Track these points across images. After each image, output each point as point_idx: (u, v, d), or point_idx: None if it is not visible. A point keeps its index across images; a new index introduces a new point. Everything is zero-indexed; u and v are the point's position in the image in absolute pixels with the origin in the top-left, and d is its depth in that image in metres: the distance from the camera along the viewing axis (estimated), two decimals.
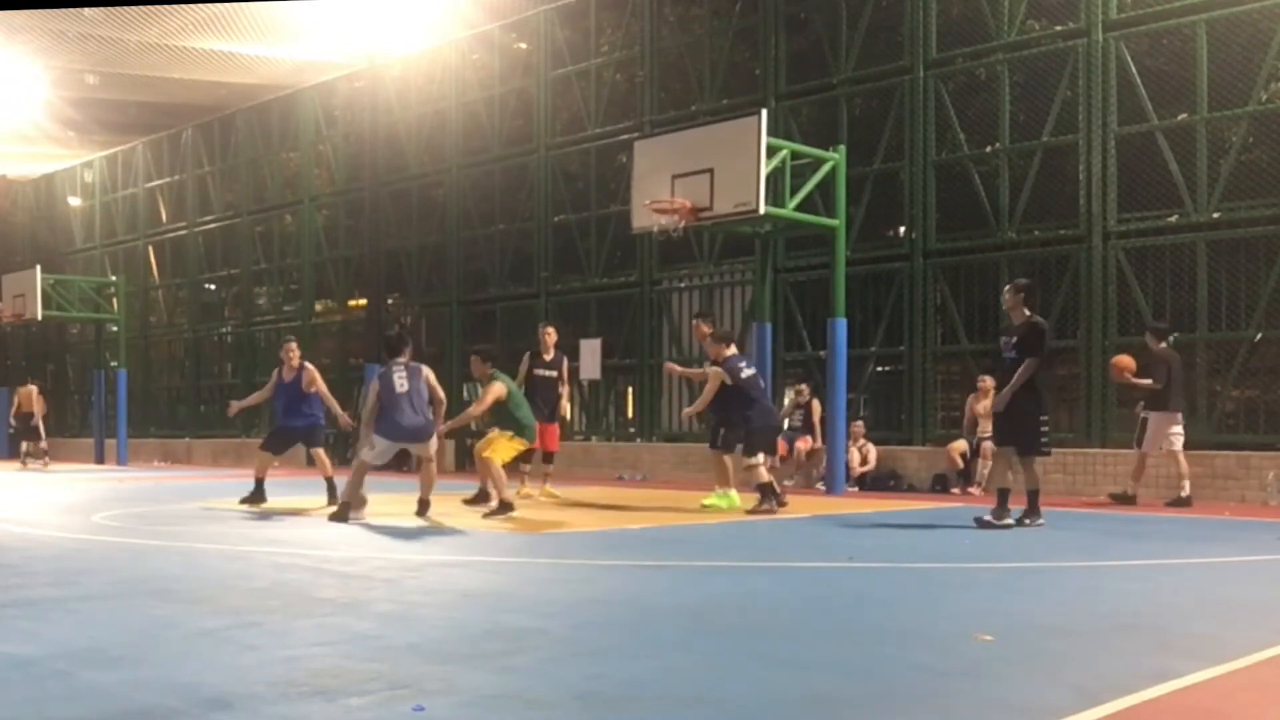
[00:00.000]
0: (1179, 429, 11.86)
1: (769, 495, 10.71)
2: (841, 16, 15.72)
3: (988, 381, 13.63)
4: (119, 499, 13.24)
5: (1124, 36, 13.31)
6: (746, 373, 10.79)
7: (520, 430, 10.74)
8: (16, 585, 6.27)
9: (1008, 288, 9.73)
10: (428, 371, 10.47)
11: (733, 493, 11.07)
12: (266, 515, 10.79)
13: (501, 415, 10.76)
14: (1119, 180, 13.24)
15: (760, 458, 10.71)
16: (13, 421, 25.29)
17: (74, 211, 31.17)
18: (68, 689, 3.81)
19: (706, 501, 11.05)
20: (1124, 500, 12.01)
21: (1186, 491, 11.76)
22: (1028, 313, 9.42)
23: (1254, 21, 12.48)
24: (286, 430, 12.15)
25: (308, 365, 12.00)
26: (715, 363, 10.82)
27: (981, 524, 9.26)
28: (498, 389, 10.66)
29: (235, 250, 25.73)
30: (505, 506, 10.25)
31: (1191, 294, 12.75)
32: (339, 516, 9.97)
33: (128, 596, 5.88)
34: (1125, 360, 12.06)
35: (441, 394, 10.55)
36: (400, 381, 10.21)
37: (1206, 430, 12.64)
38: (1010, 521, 9.20)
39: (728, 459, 11.12)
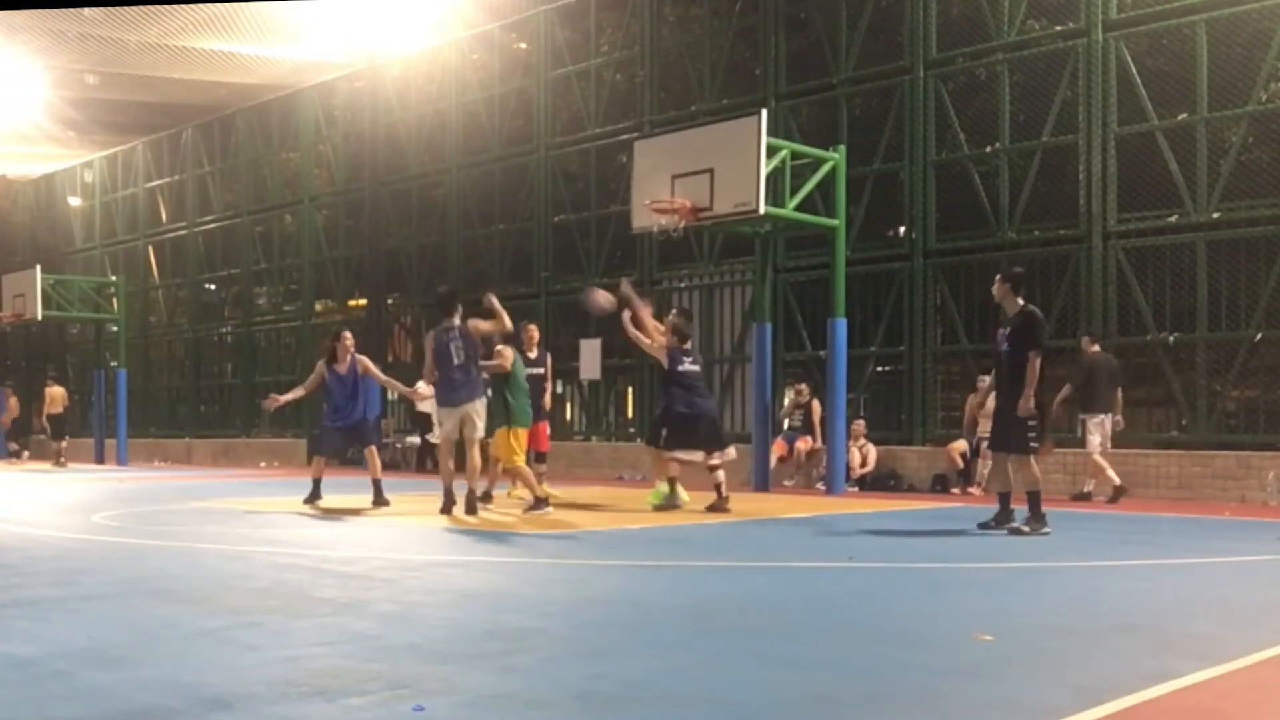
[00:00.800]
0: (1098, 430, 12.29)
1: (674, 491, 10.94)
2: (841, 16, 15.72)
3: (987, 382, 13.64)
4: (119, 499, 13.25)
5: (1124, 36, 13.31)
6: (686, 366, 10.91)
7: (520, 418, 10.79)
8: (16, 585, 6.27)
9: (997, 277, 9.37)
10: (474, 326, 10.40)
11: (680, 490, 11.16)
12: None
13: (500, 398, 10.79)
14: (1119, 180, 13.24)
15: (680, 454, 10.81)
16: (46, 424, 25.34)
17: (74, 211, 31.18)
18: (68, 689, 3.81)
19: (655, 502, 11.17)
20: (1119, 493, 12.14)
21: (1089, 488, 12.42)
22: (1020, 302, 9.08)
23: (1254, 21, 12.48)
24: (341, 430, 11.70)
25: (360, 356, 11.71)
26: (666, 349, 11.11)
27: (982, 528, 9.24)
28: (510, 354, 10.75)
29: (235, 250, 25.73)
30: (541, 502, 10.36)
31: (1191, 294, 12.75)
32: (471, 510, 10.06)
33: (128, 596, 5.88)
34: None
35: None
36: (457, 351, 10.20)
37: (1206, 430, 12.64)
38: (1018, 526, 9.03)
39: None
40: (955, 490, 13.80)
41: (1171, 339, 12.89)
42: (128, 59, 20.20)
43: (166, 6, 16.86)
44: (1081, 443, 12.59)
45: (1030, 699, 3.70)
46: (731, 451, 11.23)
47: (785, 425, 15.34)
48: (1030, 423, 8.85)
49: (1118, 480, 12.20)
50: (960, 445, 13.85)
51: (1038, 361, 8.78)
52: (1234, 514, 10.95)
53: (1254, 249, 12.49)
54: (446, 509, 10.32)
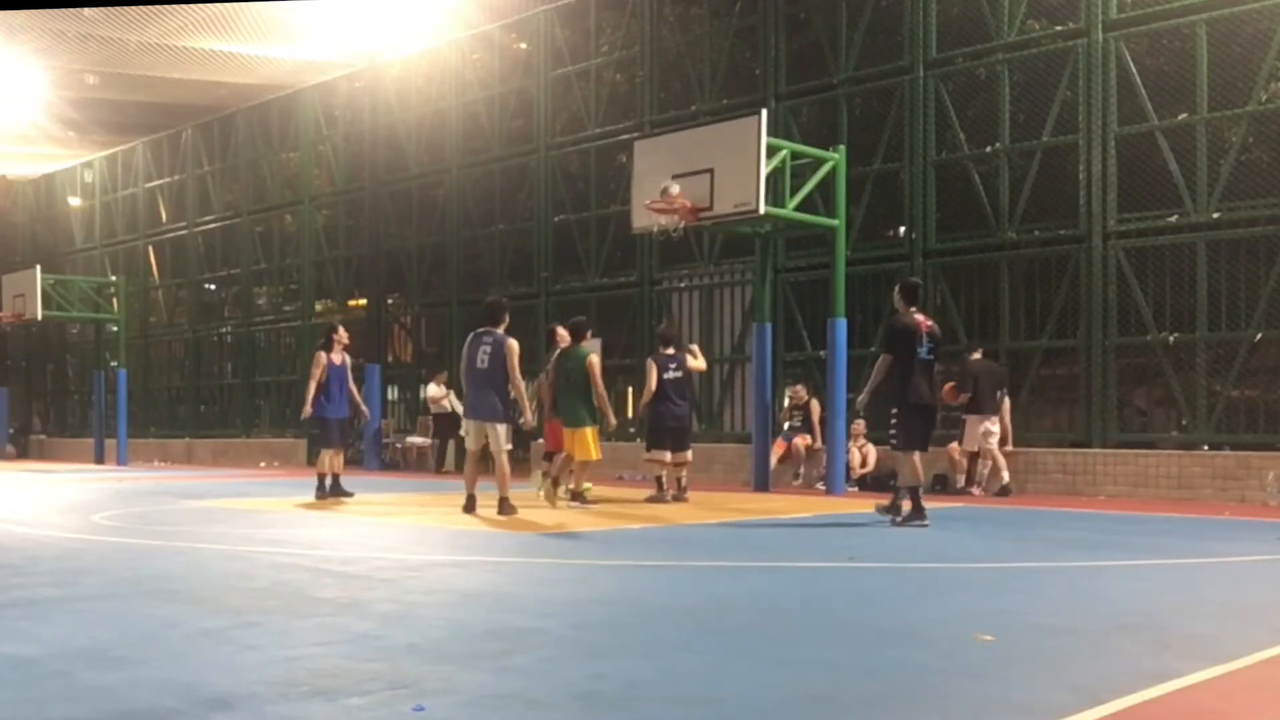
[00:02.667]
0: (988, 428, 13.25)
1: (660, 486, 12.14)
2: (841, 16, 15.72)
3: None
4: (119, 499, 13.25)
5: (1124, 36, 13.30)
6: (671, 374, 12.03)
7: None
8: (16, 585, 6.27)
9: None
10: (510, 345, 10.25)
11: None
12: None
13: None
14: (1119, 180, 13.24)
15: (665, 454, 12.08)
16: None
17: (74, 211, 31.17)
18: (68, 689, 3.81)
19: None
20: (1004, 492, 13.00)
21: (1006, 478, 13.18)
22: (913, 309, 9.69)
23: (1254, 21, 12.48)
24: (338, 421, 12.36)
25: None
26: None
27: (894, 523, 9.60)
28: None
29: (235, 250, 25.73)
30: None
31: (1191, 294, 12.75)
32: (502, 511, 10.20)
33: (128, 596, 5.88)
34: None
35: (516, 374, 10.23)
36: (483, 357, 10.21)
37: (1206, 430, 12.64)
38: (926, 522, 9.41)
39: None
40: (956, 490, 13.78)
41: (1171, 339, 12.89)
42: (128, 59, 20.18)
43: (166, 6, 16.85)
44: (960, 441, 13.61)
45: (1030, 699, 3.70)
46: (688, 455, 12.46)
47: (785, 427, 15.34)
48: (893, 419, 9.64)
49: (984, 479, 13.37)
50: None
51: (882, 362, 9.65)
52: (1234, 514, 10.94)
53: (1254, 249, 12.49)
54: (469, 508, 10.40)
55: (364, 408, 13.68)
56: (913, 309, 9.65)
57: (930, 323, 9.71)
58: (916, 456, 9.48)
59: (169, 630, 4.87)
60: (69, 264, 29.90)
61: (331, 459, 12.15)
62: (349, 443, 12.77)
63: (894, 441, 9.66)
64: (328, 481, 12.06)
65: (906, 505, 9.51)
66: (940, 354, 9.92)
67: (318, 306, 24.33)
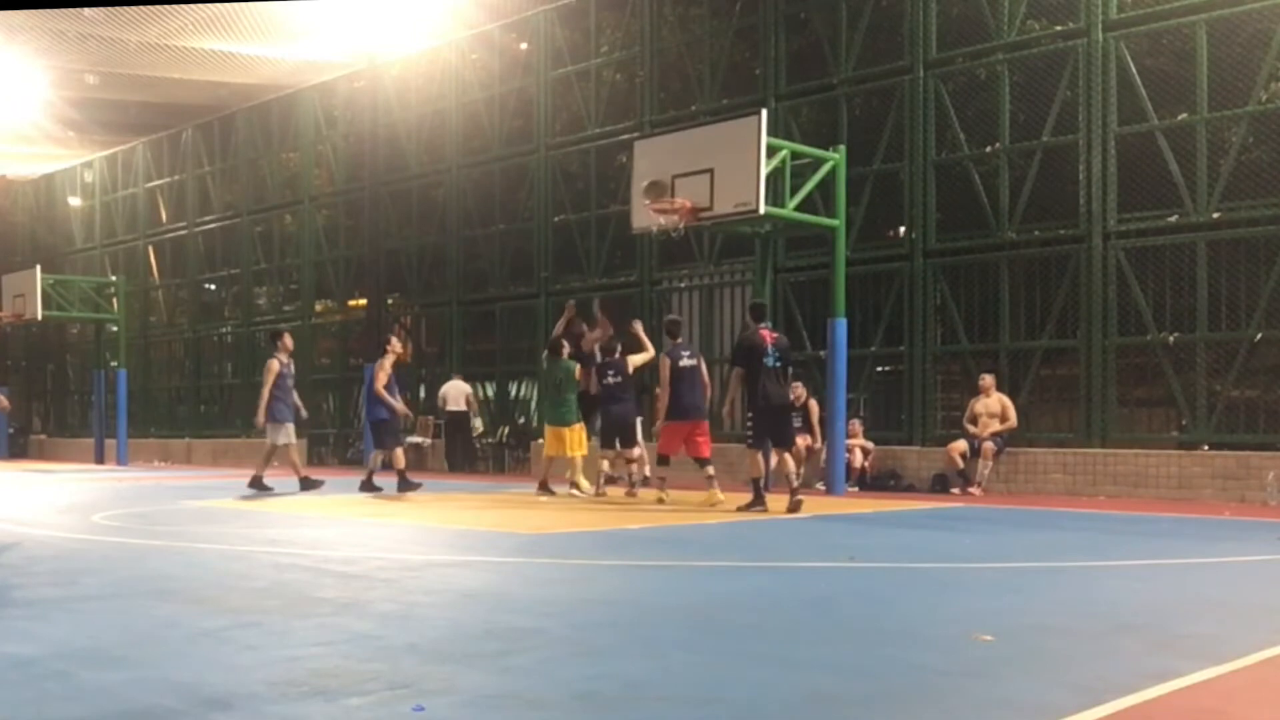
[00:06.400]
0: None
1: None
2: (841, 16, 15.71)
3: (987, 380, 13.72)
4: (119, 499, 13.25)
5: (1124, 36, 13.30)
6: (609, 380, 12.92)
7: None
8: (16, 585, 6.27)
9: None
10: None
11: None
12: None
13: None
14: (1119, 180, 13.23)
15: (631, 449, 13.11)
16: None
17: (74, 211, 31.18)
18: (68, 689, 3.82)
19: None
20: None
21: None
22: (760, 325, 11.20)
23: (1254, 21, 12.47)
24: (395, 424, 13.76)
25: None
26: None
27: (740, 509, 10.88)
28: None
29: (235, 250, 25.73)
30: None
31: (1191, 294, 12.75)
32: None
33: (128, 596, 5.89)
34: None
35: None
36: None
37: (1206, 430, 12.64)
38: (764, 508, 10.95)
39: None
40: (955, 490, 13.79)
41: (1171, 339, 12.89)
42: (128, 59, 20.18)
43: (166, 6, 16.85)
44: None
45: (1030, 699, 3.70)
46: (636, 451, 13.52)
47: None
48: (749, 421, 11.13)
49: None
50: (960, 445, 13.85)
51: (734, 375, 11.32)
52: (1234, 514, 10.94)
53: (1254, 249, 12.48)
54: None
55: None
56: (760, 325, 11.16)
57: (775, 335, 11.29)
58: (761, 454, 11.23)
59: (169, 630, 4.87)
60: (69, 264, 29.89)
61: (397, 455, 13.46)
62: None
63: (750, 440, 11.25)
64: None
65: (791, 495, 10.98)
66: (793, 359, 11.68)
67: (318, 306, 24.32)
